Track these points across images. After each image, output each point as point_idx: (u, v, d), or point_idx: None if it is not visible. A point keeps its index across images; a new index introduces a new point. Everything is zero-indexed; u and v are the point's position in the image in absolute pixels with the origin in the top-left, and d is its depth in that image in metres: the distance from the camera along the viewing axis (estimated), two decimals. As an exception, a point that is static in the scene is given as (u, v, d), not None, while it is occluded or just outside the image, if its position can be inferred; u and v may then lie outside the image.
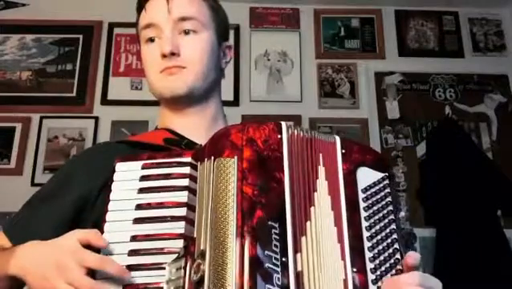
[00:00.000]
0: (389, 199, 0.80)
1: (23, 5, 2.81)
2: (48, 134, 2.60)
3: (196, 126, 1.05)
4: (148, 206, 0.78)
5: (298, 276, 0.68)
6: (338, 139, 0.84)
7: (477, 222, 2.28)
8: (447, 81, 2.80)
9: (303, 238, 0.71)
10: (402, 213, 2.43)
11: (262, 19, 2.89)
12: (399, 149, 2.66)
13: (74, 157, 1.42)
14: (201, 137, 0.99)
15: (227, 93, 2.34)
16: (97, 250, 0.74)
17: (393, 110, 2.74)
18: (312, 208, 0.75)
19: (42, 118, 2.61)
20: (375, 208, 0.79)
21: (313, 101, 2.74)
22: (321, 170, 0.79)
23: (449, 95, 2.77)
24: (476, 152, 2.49)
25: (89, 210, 0.92)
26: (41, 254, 0.76)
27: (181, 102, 1.04)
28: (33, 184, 2.48)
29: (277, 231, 0.68)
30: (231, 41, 1.17)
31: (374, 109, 2.73)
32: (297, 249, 0.70)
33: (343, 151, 0.82)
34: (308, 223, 0.73)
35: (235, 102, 2.67)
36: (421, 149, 2.62)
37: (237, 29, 2.78)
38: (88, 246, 0.74)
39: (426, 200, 2.47)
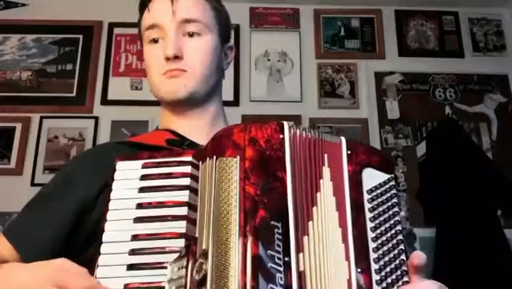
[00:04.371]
0: (395, 200, 0.80)
1: (23, 5, 2.82)
2: (48, 134, 2.60)
3: (197, 127, 1.04)
4: (149, 205, 0.78)
5: (301, 276, 0.67)
6: (343, 140, 0.83)
7: (477, 222, 2.28)
8: (447, 81, 2.80)
9: (306, 238, 0.71)
10: (402, 213, 2.42)
11: (262, 19, 2.89)
12: (399, 149, 2.66)
13: (74, 159, 1.41)
14: (202, 138, 0.99)
15: (227, 93, 2.33)
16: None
17: (393, 110, 2.74)
18: (315, 208, 0.74)
19: (42, 118, 2.62)
20: (380, 209, 0.78)
21: (313, 101, 2.75)
22: (326, 171, 0.78)
23: (449, 95, 2.77)
24: (476, 152, 2.49)
25: (90, 211, 0.91)
26: (17, 279, 0.75)
27: (182, 105, 1.03)
28: (33, 184, 2.49)
29: (279, 231, 0.68)
30: (231, 41, 1.17)
31: (374, 109, 2.73)
32: (299, 249, 0.69)
33: (349, 152, 0.81)
34: (310, 223, 0.73)
35: (235, 102, 2.68)
36: (421, 149, 2.61)
37: (237, 29, 2.77)
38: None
39: (426, 200, 2.47)
